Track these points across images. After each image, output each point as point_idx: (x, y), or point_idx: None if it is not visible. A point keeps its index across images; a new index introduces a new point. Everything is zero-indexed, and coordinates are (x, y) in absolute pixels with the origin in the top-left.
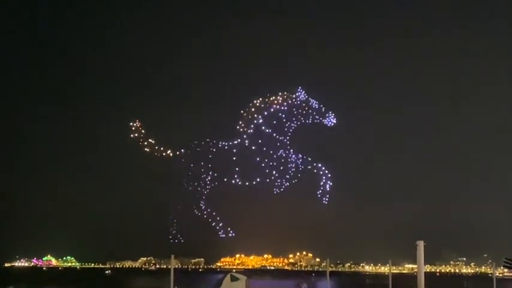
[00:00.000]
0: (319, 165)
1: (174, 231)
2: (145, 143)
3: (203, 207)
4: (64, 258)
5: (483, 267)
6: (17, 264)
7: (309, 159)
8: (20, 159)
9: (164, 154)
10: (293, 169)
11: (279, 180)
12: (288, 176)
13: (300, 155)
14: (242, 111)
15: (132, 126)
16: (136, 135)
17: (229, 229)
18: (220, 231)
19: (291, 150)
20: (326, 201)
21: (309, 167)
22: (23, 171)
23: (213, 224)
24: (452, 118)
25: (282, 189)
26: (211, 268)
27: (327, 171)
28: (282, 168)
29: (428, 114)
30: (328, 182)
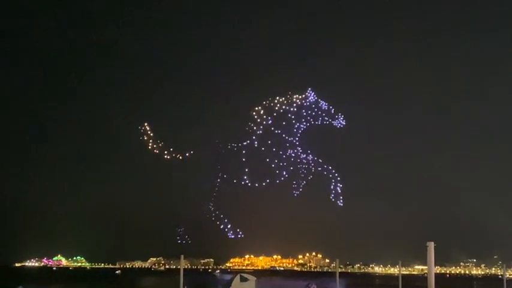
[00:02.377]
0: (330, 167)
1: (181, 232)
2: (155, 146)
3: (212, 209)
4: (74, 258)
5: (493, 269)
6: (27, 264)
7: (320, 160)
8: (31, 162)
9: (174, 155)
10: (304, 170)
11: (294, 182)
12: (303, 176)
13: (311, 156)
14: (251, 112)
15: (141, 129)
16: (145, 137)
17: (238, 230)
18: (230, 232)
19: (300, 150)
20: (341, 202)
21: (319, 168)
22: (34, 174)
23: (222, 226)
24: (463, 118)
25: (300, 191)
26: (220, 268)
27: (336, 174)
28: (292, 168)
29: (438, 115)
30: (338, 185)
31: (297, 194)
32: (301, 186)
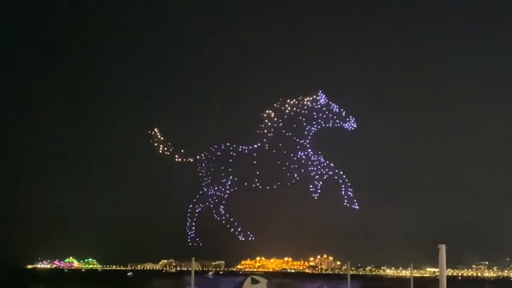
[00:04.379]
0: (340, 172)
1: (193, 235)
2: (165, 148)
3: (223, 212)
4: (86, 260)
5: (505, 271)
6: (39, 265)
7: (332, 164)
8: (41, 162)
9: (185, 160)
10: (318, 171)
11: (311, 186)
12: (317, 177)
13: (322, 158)
14: (262, 113)
15: (151, 132)
16: (155, 140)
17: (249, 232)
18: (240, 234)
19: (311, 152)
20: (357, 206)
21: (330, 172)
22: (45, 174)
23: (232, 229)
24: (475, 116)
25: (319, 193)
26: (232, 271)
27: (347, 180)
28: (303, 171)
29: (449, 114)
30: (349, 189)
31: (317, 197)
32: (319, 188)
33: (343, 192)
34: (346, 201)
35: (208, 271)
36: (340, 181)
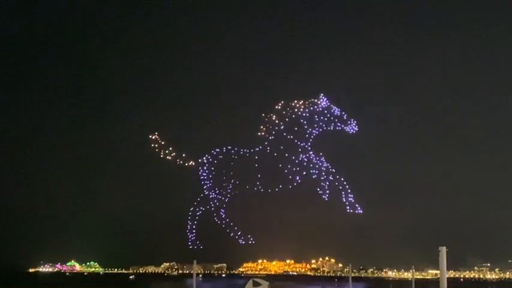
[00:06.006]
0: (341, 178)
1: (193, 238)
2: (166, 152)
3: (223, 215)
4: (88, 263)
5: (507, 273)
6: (41, 269)
7: (333, 170)
8: (44, 166)
9: (186, 164)
10: (318, 174)
11: (319, 189)
12: (323, 178)
13: (324, 163)
14: (263, 115)
15: (152, 137)
16: (156, 145)
17: (249, 236)
18: (240, 238)
19: (313, 155)
20: (360, 210)
21: (331, 178)
22: (47, 178)
23: (231, 234)
24: (478, 116)
25: (327, 193)
26: (234, 273)
27: (347, 186)
28: (305, 173)
29: (453, 113)
30: (350, 195)
31: (327, 198)
32: (326, 189)
33: (344, 199)
34: (348, 207)
35: (199, 274)
36: (341, 188)
